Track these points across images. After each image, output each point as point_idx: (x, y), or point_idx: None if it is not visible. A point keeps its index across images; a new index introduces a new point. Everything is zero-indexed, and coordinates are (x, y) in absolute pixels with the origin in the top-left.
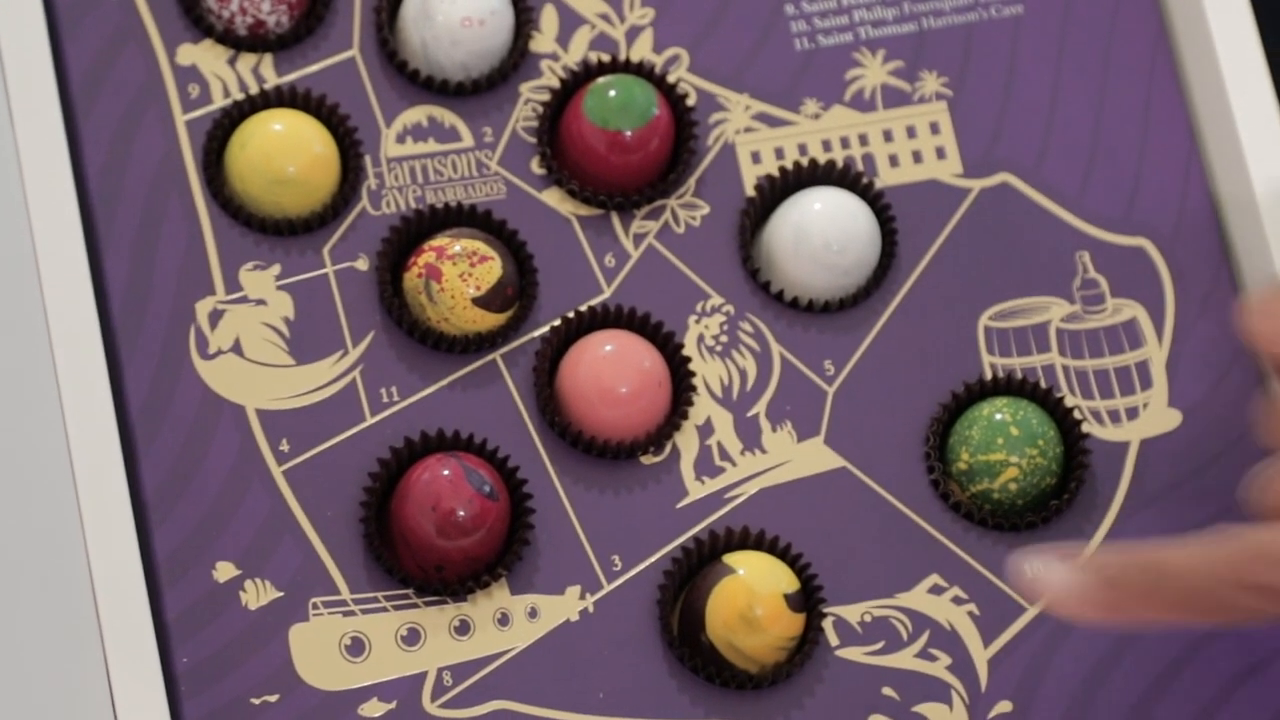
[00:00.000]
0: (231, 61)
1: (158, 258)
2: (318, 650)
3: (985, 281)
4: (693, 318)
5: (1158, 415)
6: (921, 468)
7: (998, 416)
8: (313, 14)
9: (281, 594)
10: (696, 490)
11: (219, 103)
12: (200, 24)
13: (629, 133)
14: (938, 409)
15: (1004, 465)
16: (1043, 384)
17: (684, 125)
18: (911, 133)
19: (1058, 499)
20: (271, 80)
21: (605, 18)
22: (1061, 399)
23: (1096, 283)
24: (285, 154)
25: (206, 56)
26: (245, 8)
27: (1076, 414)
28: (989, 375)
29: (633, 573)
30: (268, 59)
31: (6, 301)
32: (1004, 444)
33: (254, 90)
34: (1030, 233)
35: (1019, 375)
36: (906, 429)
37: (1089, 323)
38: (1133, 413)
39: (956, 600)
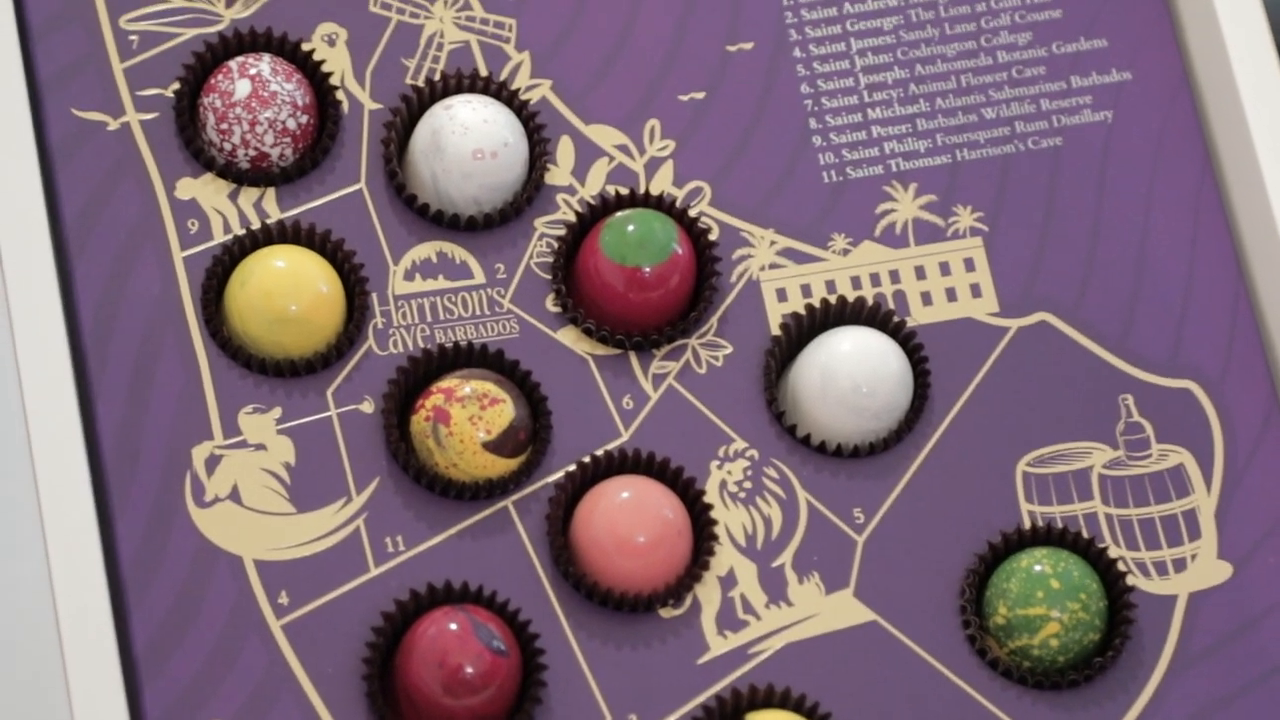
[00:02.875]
0: (233, 196)
1: (152, 400)
2: None
3: (1023, 426)
4: (715, 463)
5: (1207, 567)
6: (957, 622)
7: (1037, 568)
8: (318, 146)
9: None
10: (718, 645)
11: (219, 238)
12: (200, 157)
13: (648, 269)
14: (974, 560)
15: (1044, 620)
16: (1085, 534)
17: (706, 261)
18: (945, 269)
19: (1101, 656)
20: (274, 215)
21: (624, 149)
22: (1105, 550)
23: (1141, 427)
24: (287, 292)
25: (206, 190)
26: (248, 140)
27: (1121, 565)
28: (1028, 524)
29: None
30: (270, 193)
31: None
32: (1044, 597)
33: (255, 225)
34: (1071, 374)
35: (1059, 524)
36: (941, 581)
37: (1133, 469)
38: (1180, 564)
39: None
